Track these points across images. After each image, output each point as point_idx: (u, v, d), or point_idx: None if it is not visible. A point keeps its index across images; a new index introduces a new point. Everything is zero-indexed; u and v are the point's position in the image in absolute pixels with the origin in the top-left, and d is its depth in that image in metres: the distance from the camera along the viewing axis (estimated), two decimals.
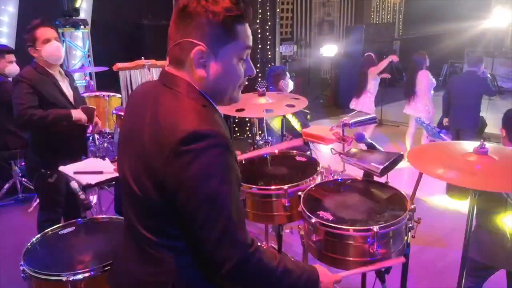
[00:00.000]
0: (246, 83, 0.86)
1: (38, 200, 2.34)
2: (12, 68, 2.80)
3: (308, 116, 3.04)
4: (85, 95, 3.03)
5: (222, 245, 0.71)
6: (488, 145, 1.14)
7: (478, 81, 3.57)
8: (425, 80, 3.82)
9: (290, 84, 2.93)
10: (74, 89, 2.12)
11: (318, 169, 1.59)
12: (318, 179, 1.56)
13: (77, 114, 1.97)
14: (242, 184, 0.91)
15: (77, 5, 3.90)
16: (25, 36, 1.94)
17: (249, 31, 0.81)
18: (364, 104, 4.10)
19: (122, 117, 0.93)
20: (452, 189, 1.59)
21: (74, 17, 3.96)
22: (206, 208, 0.70)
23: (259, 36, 5.02)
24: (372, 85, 4.13)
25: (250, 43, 0.82)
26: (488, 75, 4.03)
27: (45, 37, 1.91)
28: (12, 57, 2.85)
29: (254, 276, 0.76)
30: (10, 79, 2.79)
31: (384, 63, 4.07)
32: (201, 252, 0.74)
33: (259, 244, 0.76)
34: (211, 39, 0.76)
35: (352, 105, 4.25)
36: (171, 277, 0.81)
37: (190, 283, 0.82)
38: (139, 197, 0.80)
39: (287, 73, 2.96)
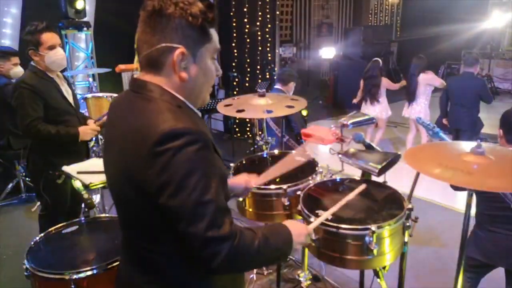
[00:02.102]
0: (214, 84, 0.90)
1: (39, 203, 2.32)
2: (17, 71, 2.81)
3: (305, 112, 3.07)
4: (88, 96, 3.05)
5: (209, 241, 0.70)
6: (485, 145, 1.16)
7: (475, 82, 3.61)
8: (435, 80, 3.88)
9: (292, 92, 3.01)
10: (72, 91, 2.12)
11: (317, 169, 1.61)
12: (317, 179, 1.58)
13: (84, 134, 1.98)
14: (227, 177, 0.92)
15: (78, 7, 3.91)
16: (27, 38, 1.89)
17: (217, 35, 0.83)
18: (382, 110, 4.11)
19: (105, 127, 0.94)
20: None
21: (76, 19, 3.98)
22: (190, 205, 0.69)
23: (259, 38, 5.05)
24: (384, 93, 4.15)
25: (218, 45, 0.84)
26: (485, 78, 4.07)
27: (51, 43, 1.90)
28: (17, 59, 2.86)
29: (243, 262, 0.77)
30: (14, 81, 2.82)
31: (396, 86, 4.18)
32: (189, 250, 0.73)
33: (238, 229, 0.75)
34: (189, 41, 0.77)
35: (368, 110, 4.21)
36: (165, 281, 0.81)
37: (183, 286, 0.82)
38: (125, 205, 0.81)
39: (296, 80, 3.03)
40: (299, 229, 0.92)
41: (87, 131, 2.01)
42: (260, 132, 2.46)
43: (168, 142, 0.69)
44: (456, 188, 1.59)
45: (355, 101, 4.36)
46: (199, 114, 0.85)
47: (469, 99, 3.58)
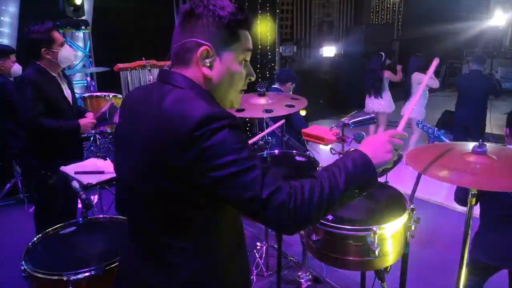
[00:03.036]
0: (246, 88, 0.88)
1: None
2: (16, 69, 2.81)
3: (303, 112, 3.06)
4: (86, 95, 3.04)
5: (270, 198, 0.70)
6: (487, 144, 1.15)
7: (483, 79, 3.69)
8: (415, 81, 3.89)
9: (290, 92, 3.00)
10: (72, 91, 2.13)
11: (317, 169, 1.60)
12: None
13: (84, 127, 2.01)
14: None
15: (76, 1, 3.89)
16: (36, 36, 1.88)
17: (249, 37, 0.85)
18: (385, 104, 4.11)
19: (118, 122, 0.93)
20: (461, 196, 1.59)
21: (74, 18, 3.96)
22: (240, 174, 0.71)
23: (259, 37, 5.03)
24: (386, 87, 4.18)
25: (251, 46, 0.86)
26: (496, 75, 4.14)
27: (62, 40, 1.96)
28: (14, 57, 2.86)
29: (314, 207, 0.73)
30: (12, 79, 2.80)
31: (398, 77, 4.19)
32: (256, 217, 0.73)
33: (294, 181, 0.74)
34: (216, 40, 0.80)
35: (371, 105, 4.22)
36: (180, 277, 0.81)
37: (200, 285, 0.83)
38: (153, 197, 0.80)
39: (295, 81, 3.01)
40: (377, 145, 0.81)
41: (87, 124, 2.03)
42: (260, 132, 2.45)
43: (205, 126, 0.71)
44: (461, 202, 1.59)
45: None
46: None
47: (478, 97, 3.66)
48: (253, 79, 0.88)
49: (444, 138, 1.64)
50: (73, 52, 2.02)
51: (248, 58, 0.86)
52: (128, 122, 0.87)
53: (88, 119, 2.05)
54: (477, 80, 3.68)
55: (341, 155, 1.38)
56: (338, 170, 0.76)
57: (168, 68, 0.85)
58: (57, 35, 1.93)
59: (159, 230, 0.82)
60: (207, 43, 0.79)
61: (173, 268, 0.82)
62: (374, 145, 0.81)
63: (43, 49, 1.89)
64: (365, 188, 0.78)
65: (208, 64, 0.80)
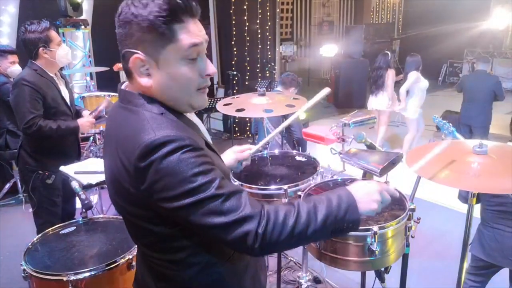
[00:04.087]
0: (207, 84, 0.78)
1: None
2: (15, 69, 2.80)
3: (305, 115, 3.04)
4: (85, 94, 3.04)
5: (233, 225, 0.67)
6: (487, 143, 1.14)
7: (489, 79, 3.71)
8: (410, 80, 3.89)
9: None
10: (69, 91, 2.12)
11: (318, 169, 1.59)
12: (318, 179, 1.56)
13: (83, 127, 2.00)
14: (240, 185, 0.85)
15: (79, 0, 3.89)
16: (34, 36, 1.87)
17: (192, 27, 0.73)
18: (388, 103, 4.12)
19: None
20: (465, 194, 1.59)
21: (74, 17, 3.96)
22: (199, 205, 0.67)
23: (259, 36, 5.02)
24: (391, 85, 4.17)
25: (196, 39, 0.73)
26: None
27: (58, 39, 1.95)
28: (14, 57, 2.84)
29: (283, 236, 0.69)
30: (12, 79, 2.80)
31: (399, 78, 4.23)
32: (220, 243, 0.71)
33: (268, 206, 0.71)
34: (146, 45, 0.71)
35: (374, 102, 4.22)
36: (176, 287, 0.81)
37: None
38: (128, 220, 0.80)
39: (298, 86, 2.99)
40: (367, 190, 0.76)
41: (86, 123, 2.02)
42: (255, 134, 2.44)
43: (150, 155, 0.67)
44: (466, 200, 1.59)
45: None
46: (189, 117, 0.82)
47: (483, 96, 3.68)
48: (211, 74, 0.78)
49: (457, 135, 1.65)
50: (69, 51, 2.01)
51: (195, 56, 0.74)
52: (105, 141, 0.85)
53: (86, 119, 2.04)
54: (483, 80, 3.70)
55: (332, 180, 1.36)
56: (320, 205, 0.72)
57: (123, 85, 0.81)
58: (54, 34, 1.93)
59: (147, 248, 0.81)
60: (137, 51, 0.71)
61: (168, 280, 0.81)
62: (364, 190, 0.77)
63: (40, 49, 1.89)
64: (342, 231, 0.74)
65: (146, 73, 0.73)
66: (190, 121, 0.82)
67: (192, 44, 0.72)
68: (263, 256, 0.76)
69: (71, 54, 2.04)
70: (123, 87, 0.80)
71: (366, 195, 0.76)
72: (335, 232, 0.74)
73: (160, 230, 0.75)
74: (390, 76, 4.09)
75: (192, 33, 0.73)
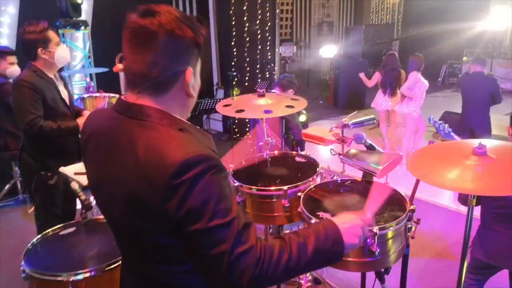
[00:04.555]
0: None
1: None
2: (13, 70, 2.80)
3: (304, 117, 3.04)
4: (85, 95, 3.04)
5: (235, 260, 0.68)
6: (486, 143, 1.13)
7: (486, 81, 3.67)
8: (410, 80, 3.89)
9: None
10: (68, 91, 2.12)
11: (317, 170, 1.59)
12: (318, 180, 1.56)
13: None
14: (240, 186, 0.86)
15: (79, 1, 3.89)
16: (32, 37, 1.87)
17: None
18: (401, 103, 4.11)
19: (83, 150, 0.87)
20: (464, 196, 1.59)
21: (74, 18, 3.96)
22: (213, 229, 0.69)
23: (259, 37, 5.03)
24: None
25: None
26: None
27: (57, 39, 1.95)
28: (13, 58, 2.84)
29: (275, 275, 0.72)
30: (11, 80, 2.80)
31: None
32: (214, 273, 0.71)
33: (265, 243, 0.73)
34: (194, 59, 0.77)
35: (383, 103, 4.23)
36: None
37: None
38: (141, 237, 0.78)
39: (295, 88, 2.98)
40: (351, 225, 0.81)
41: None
42: (249, 135, 2.43)
43: (184, 174, 0.68)
44: (466, 202, 1.59)
45: (370, 84, 4.44)
46: (199, 128, 0.83)
47: (482, 98, 3.64)
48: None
49: (454, 135, 1.64)
50: (68, 51, 2.02)
51: None
52: (101, 167, 0.81)
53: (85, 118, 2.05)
54: (480, 82, 3.66)
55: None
56: (309, 239, 0.75)
57: (125, 98, 0.78)
58: (52, 34, 1.92)
59: (155, 262, 0.80)
60: (189, 67, 0.76)
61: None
62: (349, 225, 0.81)
63: (39, 49, 1.88)
64: (329, 262, 0.79)
65: (193, 85, 0.79)
66: (204, 132, 0.83)
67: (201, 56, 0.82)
68: None
69: (70, 54, 2.05)
70: (126, 99, 0.78)
71: (350, 230, 0.81)
72: (321, 265, 0.80)
73: (174, 242, 0.74)
74: (403, 77, 4.11)
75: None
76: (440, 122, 1.61)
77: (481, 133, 3.64)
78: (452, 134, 1.53)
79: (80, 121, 2.01)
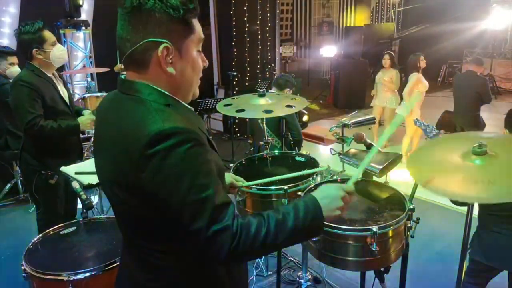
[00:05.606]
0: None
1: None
2: (14, 70, 2.79)
3: (306, 117, 3.03)
4: (86, 95, 3.04)
5: (212, 236, 0.69)
6: (486, 140, 1.11)
7: (476, 80, 3.69)
8: (412, 81, 3.89)
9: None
10: (68, 90, 2.12)
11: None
12: (318, 179, 1.57)
13: (85, 125, 1.99)
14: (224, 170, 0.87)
15: (80, 2, 3.89)
16: (27, 37, 1.88)
17: (199, 24, 0.82)
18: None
19: (94, 138, 0.92)
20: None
21: (75, 18, 3.97)
22: (188, 205, 0.69)
23: (259, 37, 5.03)
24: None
25: (203, 35, 0.82)
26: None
27: (53, 39, 1.93)
28: (14, 59, 2.84)
29: (253, 249, 0.73)
30: (11, 80, 2.80)
31: None
32: (193, 247, 0.73)
33: (243, 219, 0.74)
34: (173, 35, 0.75)
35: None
36: (174, 280, 0.81)
37: (195, 282, 0.82)
38: (122, 207, 0.81)
39: (293, 87, 2.97)
40: (332, 198, 0.82)
41: (87, 121, 2.01)
42: (250, 135, 2.43)
43: (157, 144, 0.68)
44: (457, 203, 1.59)
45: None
46: (192, 108, 0.84)
47: (470, 97, 3.69)
48: (206, 65, 0.85)
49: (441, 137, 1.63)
50: (65, 51, 1.99)
51: (200, 48, 0.82)
52: (99, 133, 0.85)
53: (86, 117, 2.03)
54: (469, 81, 3.71)
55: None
56: (289, 215, 0.76)
57: (123, 75, 0.81)
58: (47, 34, 1.91)
59: (139, 236, 0.82)
60: (165, 41, 0.74)
61: (159, 270, 0.81)
62: (329, 198, 0.82)
63: (34, 49, 1.88)
64: (309, 236, 0.82)
65: (170, 62, 0.76)
66: (195, 114, 0.84)
67: (202, 38, 0.82)
68: (229, 264, 0.80)
69: (67, 54, 2.02)
70: (124, 77, 0.81)
71: (330, 203, 0.82)
72: (301, 240, 0.84)
73: (152, 217, 0.75)
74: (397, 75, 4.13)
75: (200, 28, 0.81)
76: (427, 124, 1.62)
77: (470, 130, 3.69)
78: (440, 135, 1.52)
79: (81, 119, 2.00)
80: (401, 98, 4.14)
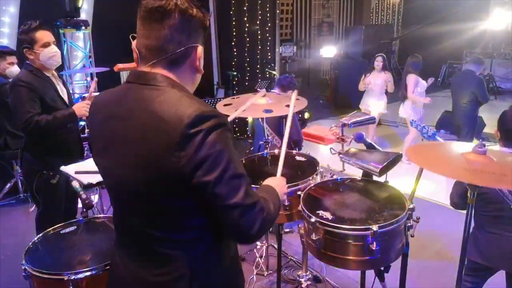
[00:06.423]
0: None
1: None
2: (13, 70, 2.79)
3: (307, 114, 3.03)
4: (86, 95, 3.04)
5: (248, 208, 0.77)
6: (488, 145, 1.15)
7: (473, 80, 3.71)
8: (411, 82, 3.88)
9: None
10: (67, 89, 2.12)
11: (317, 169, 1.60)
12: (318, 179, 1.57)
13: (79, 111, 1.97)
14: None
15: (79, 4, 3.90)
16: (21, 37, 1.90)
17: None
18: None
19: (90, 129, 0.93)
20: (456, 200, 1.61)
21: (75, 18, 3.97)
22: (227, 179, 0.75)
23: (259, 37, 5.03)
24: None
25: None
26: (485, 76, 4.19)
27: (45, 40, 1.90)
28: (13, 58, 2.84)
29: (271, 222, 0.85)
30: (11, 80, 2.80)
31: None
32: (228, 222, 0.77)
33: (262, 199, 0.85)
34: (200, 38, 0.85)
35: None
36: (186, 271, 0.82)
37: (205, 273, 0.84)
38: (148, 198, 0.80)
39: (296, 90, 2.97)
40: (281, 186, 1.04)
41: (81, 106, 1.98)
42: (249, 134, 2.43)
43: (200, 124, 0.74)
44: (457, 206, 1.60)
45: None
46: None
47: (466, 96, 3.71)
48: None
49: (438, 138, 1.65)
50: (57, 53, 1.94)
51: None
52: (108, 131, 0.84)
53: (81, 102, 2.01)
54: (467, 80, 3.73)
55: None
56: (269, 198, 0.91)
57: (143, 68, 0.83)
58: (40, 35, 1.88)
59: (157, 228, 0.82)
60: (200, 44, 0.84)
61: (178, 262, 0.82)
62: (280, 186, 1.03)
63: (24, 50, 1.89)
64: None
65: (198, 63, 0.86)
66: None
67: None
68: (256, 240, 0.87)
69: (59, 57, 1.97)
70: (146, 70, 0.84)
71: (281, 191, 1.02)
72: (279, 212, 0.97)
73: (181, 203, 0.79)
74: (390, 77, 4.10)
75: None
76: (423, 125, 1.63)
77: (466, 129, 3.70)
78: (436, 136, 1.53)
79: (75, 106, 1.98)
80: (400, 100, 4.13)
